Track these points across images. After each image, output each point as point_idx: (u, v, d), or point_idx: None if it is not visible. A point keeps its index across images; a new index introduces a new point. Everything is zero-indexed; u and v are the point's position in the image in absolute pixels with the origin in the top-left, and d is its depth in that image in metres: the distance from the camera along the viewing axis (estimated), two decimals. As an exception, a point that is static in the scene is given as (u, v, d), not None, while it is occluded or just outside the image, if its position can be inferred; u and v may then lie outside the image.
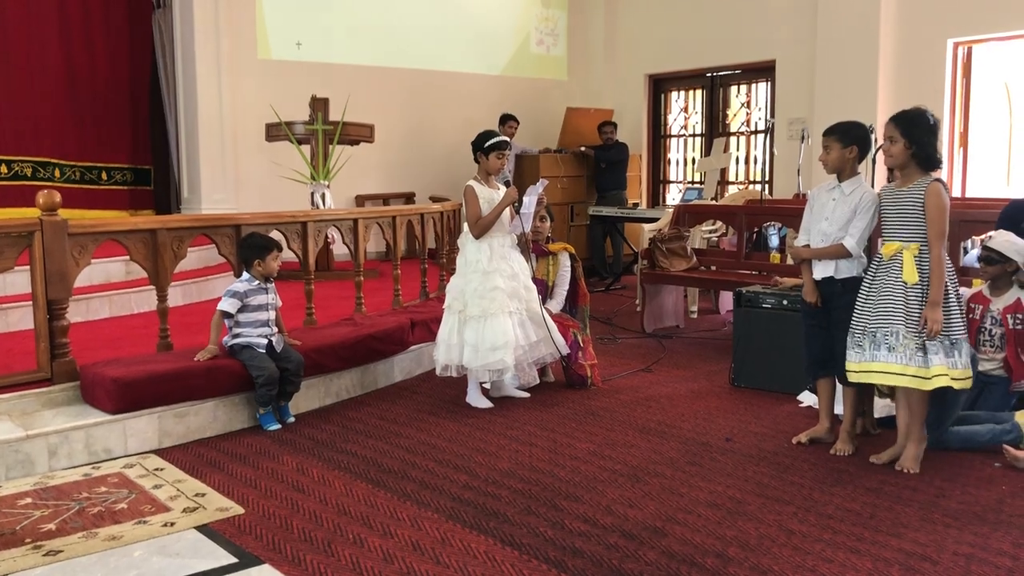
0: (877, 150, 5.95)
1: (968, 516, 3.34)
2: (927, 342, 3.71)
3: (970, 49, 8.36)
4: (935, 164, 3.81)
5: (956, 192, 8.12)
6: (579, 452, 4.12)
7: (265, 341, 4.57)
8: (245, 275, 4.67)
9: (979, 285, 4.52)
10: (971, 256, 4.49)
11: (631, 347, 6.57)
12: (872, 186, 5.82)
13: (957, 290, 3.84)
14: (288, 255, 5.71)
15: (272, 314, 4.67)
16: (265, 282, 4.65)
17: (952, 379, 3.72)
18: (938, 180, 3.77)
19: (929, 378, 3.71)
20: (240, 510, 3.44)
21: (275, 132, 7.80)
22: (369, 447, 4.24)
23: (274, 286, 4.74)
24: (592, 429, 4.50)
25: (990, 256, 4.32)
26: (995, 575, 2.85)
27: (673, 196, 11.06)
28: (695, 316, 7.83)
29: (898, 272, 3.77)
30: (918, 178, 3.80)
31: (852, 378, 3.92)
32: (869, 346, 3.82)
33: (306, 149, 7.77)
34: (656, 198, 11.36)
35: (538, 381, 5.27)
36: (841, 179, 4.08)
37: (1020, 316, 4.26)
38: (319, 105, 7.75)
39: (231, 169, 8.80)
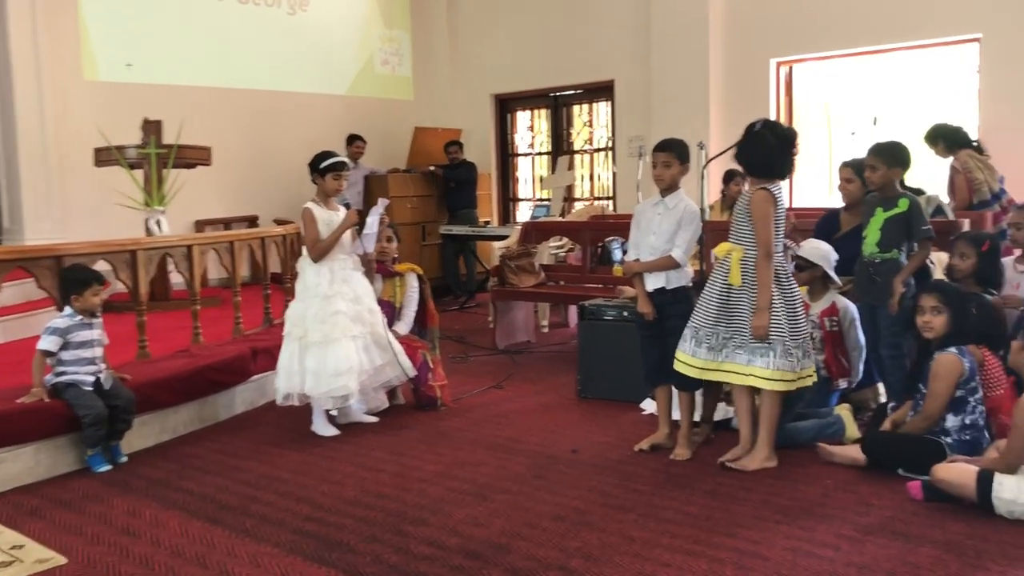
0: (705, 165, 6.21)
1: (796, 511, 3.50)
2: (745, 342, 3.89)
3: (791, 68, 8.90)
4: (768, 173, 3.93)
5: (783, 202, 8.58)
6: (427, 474, 4.09)
7: (92, 378, 4.31)
8: (67, 310, 4.39)
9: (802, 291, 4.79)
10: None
11: (483, 364, 6.59)
12: (703, 199, 6.08)
13: (789, 293, 3.92)
14: (120, 285, 5.42)
15: (100, 350, 4.41)
16: (90, 316, 4.39)
17: (765, 379, 3.87)
18: (764, 188, 3.89)
19: (745, 375, 3.90)
20: (62, 560, 3.22)
21: (105, 157, 7.41)
22: (207, 484, 4.06)
23: (101, 321, 4.48)
24: (441, 450, 4.47)
25: (799, 263, 4.60)
26: (819, 566, 3.00)
27: (524, 214, 11.22)
28: (546, 330, 7.94)
29: (726, 273, 3.94)
30: (757, 184, 3.94)
31: (676, 366, 4.04)
32: (691, 340, 3.98)
33: (139, 174, 7.42)
34: (507, 216, 11.51)
35: (387, 405, 5.22)
36: (665, 195, 4.23)
37: (835, 319, 4.54)
38: (151, 128, 7.41)
39: (57, 196, 8.27)
